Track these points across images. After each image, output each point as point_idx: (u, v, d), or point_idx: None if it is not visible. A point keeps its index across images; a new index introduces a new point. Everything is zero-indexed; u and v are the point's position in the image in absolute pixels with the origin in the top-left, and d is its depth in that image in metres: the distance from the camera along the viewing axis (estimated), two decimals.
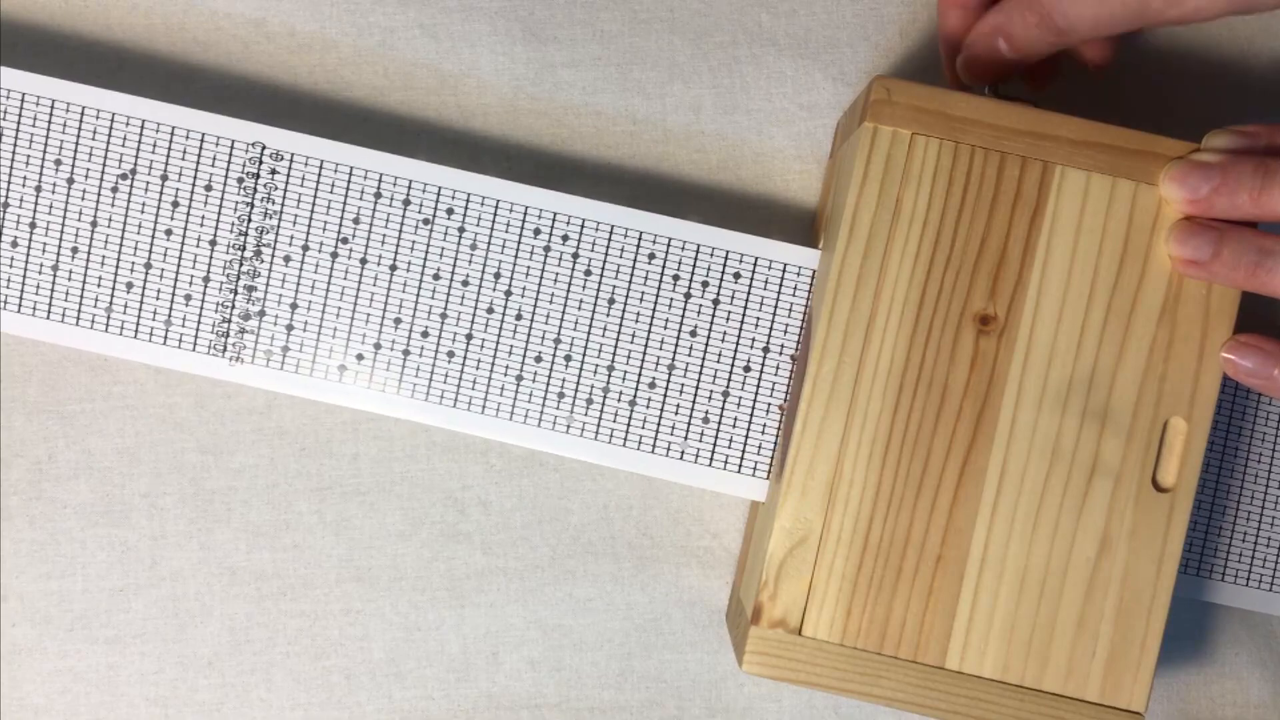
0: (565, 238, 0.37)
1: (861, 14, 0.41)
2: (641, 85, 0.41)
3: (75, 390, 0.40)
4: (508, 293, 0.37)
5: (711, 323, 0.37)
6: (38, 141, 0.37)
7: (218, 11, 0.40)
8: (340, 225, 0.37)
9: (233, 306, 0.37)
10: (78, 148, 0.37)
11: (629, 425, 0.37)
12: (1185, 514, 0.33)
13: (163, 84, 0.40)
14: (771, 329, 0.37)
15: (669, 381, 0.37)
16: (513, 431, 0.37)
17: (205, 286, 0.37)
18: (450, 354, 0.37)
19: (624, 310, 0.37)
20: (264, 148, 0.37)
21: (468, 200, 0.37)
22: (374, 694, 0.40)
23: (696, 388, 0.37)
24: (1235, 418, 0.38)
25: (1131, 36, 0.41)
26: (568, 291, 0.37)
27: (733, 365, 0.37)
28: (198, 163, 0.37)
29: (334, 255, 0.37)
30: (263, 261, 0.37)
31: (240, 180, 0.37)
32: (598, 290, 0.37)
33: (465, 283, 0.37)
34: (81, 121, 0.37)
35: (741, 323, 0.37)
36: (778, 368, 0.37)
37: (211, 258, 0.37)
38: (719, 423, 0.37)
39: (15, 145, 0.37)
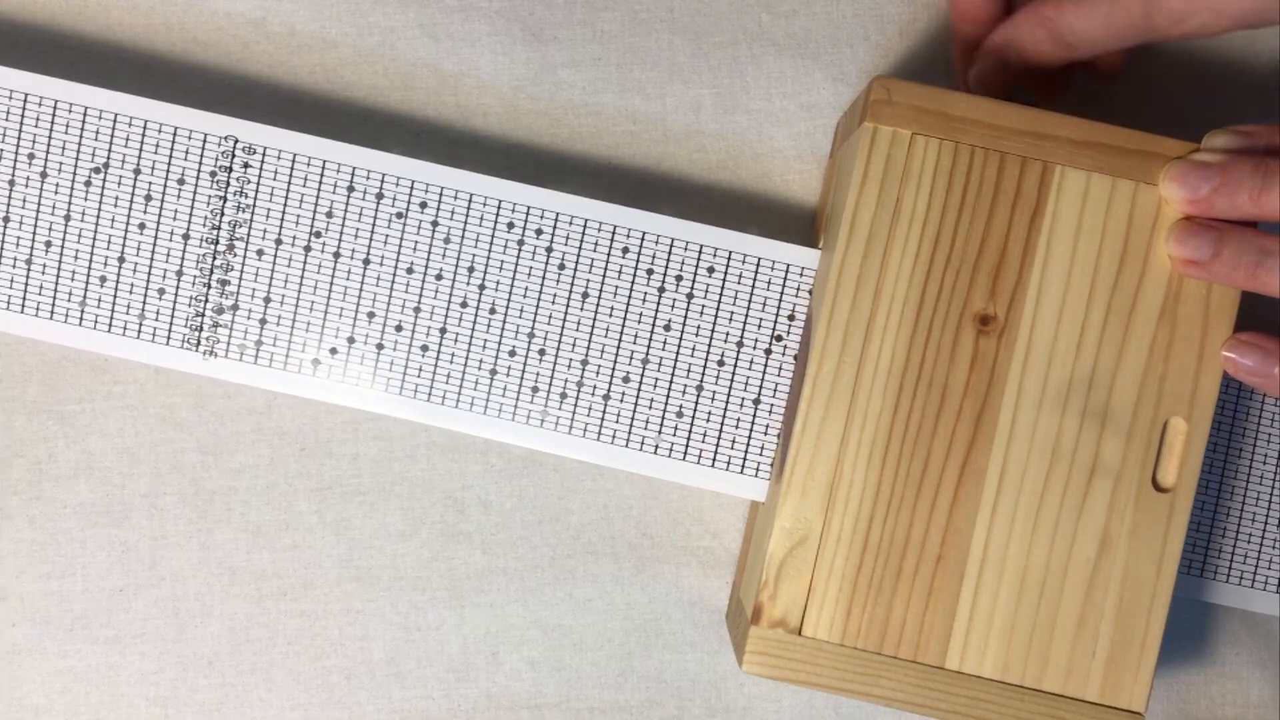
0: (539, 232, 0.37)
1: (861, 14, 0.41)
2: (641, 85, 0.41)
3: (75, 390, 0.40)
4: (481, 287, 0.37)
5: (685, 317, 0.37)
6: (10, 135, 0.37)
7: (218, 11, 0.40)
8: (313, 219, 0.37)
9: (206, 300, 0.37)
10: (50, 141, 0.37)
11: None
12: (1185, 514, 0.33)
13: (163, 84, 0.40)
14: (745, 323, 0.37)
15: (643, 376, 0.37)
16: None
17: (178, 280, 0.37)
18: (424, 348, 0.37)
19: (598, 304, 0.37)
20: (237, 141, 0.37)
21: (441, 194, 0.37)
22: (374, 694, 0.40)
23: (670, 383, 0.37)
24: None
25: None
26: (541, 285, 0.37)
27: (706, 360, 0.37)
28: (170, 156, 0.37)
29: (307, 249, 0.37)
30: (236, 255, 0.37)
31: (213, 174, 0.37)
32: (572, 284, 0.37)
33: (439, 276, 0.37)
34: (54, 115, 0.37)
35: (715, 317, 0.37)
36: (751, 362, 0.37)
37: (185, 251, 0.37)
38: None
39: None
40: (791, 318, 0.37)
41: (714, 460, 0.38)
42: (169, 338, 0.37)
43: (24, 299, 0.37)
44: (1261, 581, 0.39)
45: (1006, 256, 0.34)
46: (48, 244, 0.37)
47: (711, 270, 0.37)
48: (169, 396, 0.40)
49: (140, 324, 0.37)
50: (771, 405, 0.37)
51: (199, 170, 0.37)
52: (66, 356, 0.40)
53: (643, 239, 0.37)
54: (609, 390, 0.37)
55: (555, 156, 0.40)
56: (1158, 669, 0.40)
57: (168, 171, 0.37)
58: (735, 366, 0.37)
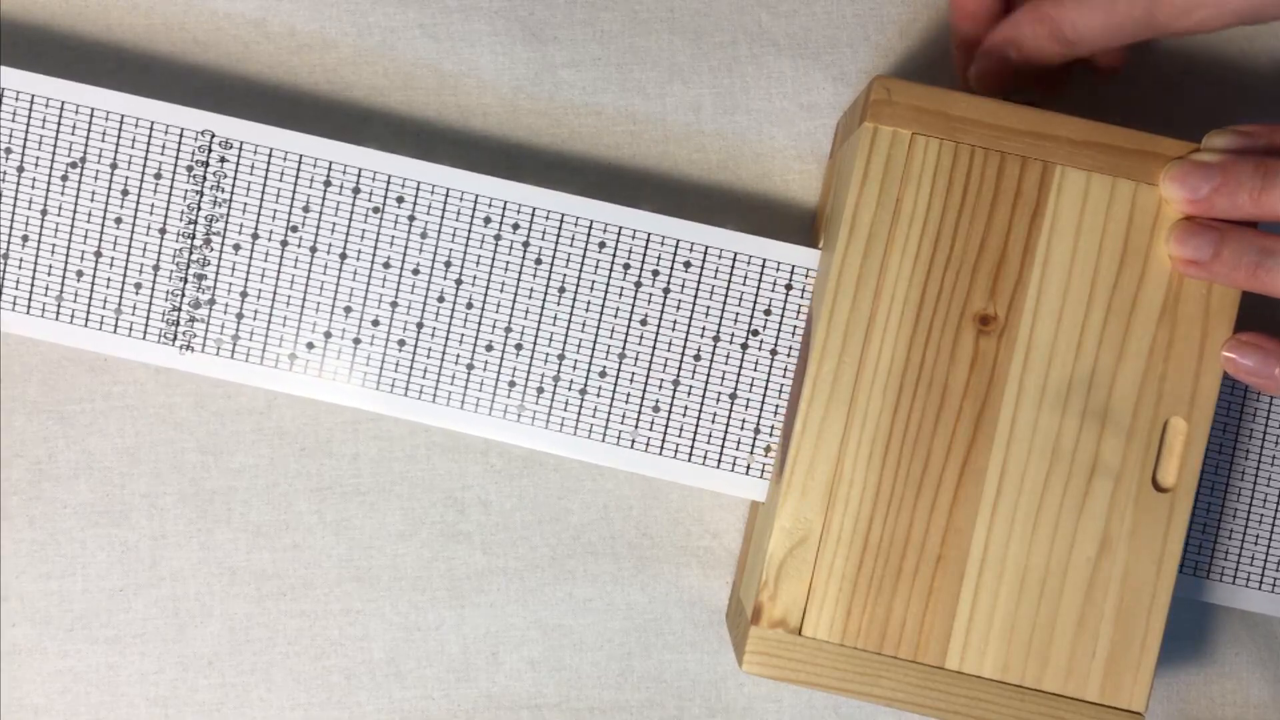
0: (516, 226, 0.37)
1: (861, 14, 0.41)
2: (641, 85, 0.41)
3: (75, 390, 0.40)
4: (458, 281, 0.37)
5: (662, 311, 0.37)
6: None
7: (218, 11, 0.40)
8: (290, 213, 0.37)
9: (183, 295, 0.37)
10: (27, 136, 0.37)
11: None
12: (1185, 514, 0.33)
13: (162, 84, 0.40)
14: (722, 318, 0.37)
15: (619, 371, 0.37)
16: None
17: (155, 275, 0.37)
18: (401, 342, 0.37)
19: (574, 299, 0.37)
20: (213, 136, 0.37)
21: (418, 188, 0.37)
22: (374, 694, 0.40)
23: (647, 377, 0.37)
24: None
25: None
26: (518, 280, 0.37)
27: (683, 355, 0.37)
28: (147, 151, 0.37)
29: (284, 243, 0.37)
30: (212, 250, 0.37)
31: (190, 168, 0.37)
32: (548, 279, 0.37)
33: (416, 271, 0.37)
34: (31, 110, 0.37)
35: (692, 312, 0.37)
36: (728, 357, 0.37)
37: (161, 246, 0.37)
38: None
39: None
40: (768, 312, 0.37)
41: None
42: (145, 332, 0.37)
43: None
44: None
45: (1006, 256, 0.34)
46: (24, 238, 0.37)
47: (688, 265, 0.37)
48: (169, 396, 0.40)
49: (117, 318, 0.37)
50: (748, 400, 0.37)
51: (175, 165, 0.37)
52: (66, 356, 0.40)
53: (619, 234, 0.37)
54: (585, 385, 0.37)
55: (555, 156, 0.40)
56: (1158, 669, 0.40)
57: (144, 166, 0.37)
58: (711, 362, 0.37)
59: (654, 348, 0.37)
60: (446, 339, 0.37)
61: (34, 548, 0.40)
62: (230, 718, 0.40)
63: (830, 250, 0.35)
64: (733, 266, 0.37)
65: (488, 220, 0.37)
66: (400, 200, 0.37)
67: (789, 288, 0.37)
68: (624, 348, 0.37)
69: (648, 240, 0.37)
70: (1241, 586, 0.39)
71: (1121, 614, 0.33)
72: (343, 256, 0.37)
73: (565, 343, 0.37)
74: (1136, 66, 0.41)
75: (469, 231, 0.37)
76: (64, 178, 0.37)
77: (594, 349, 0.37)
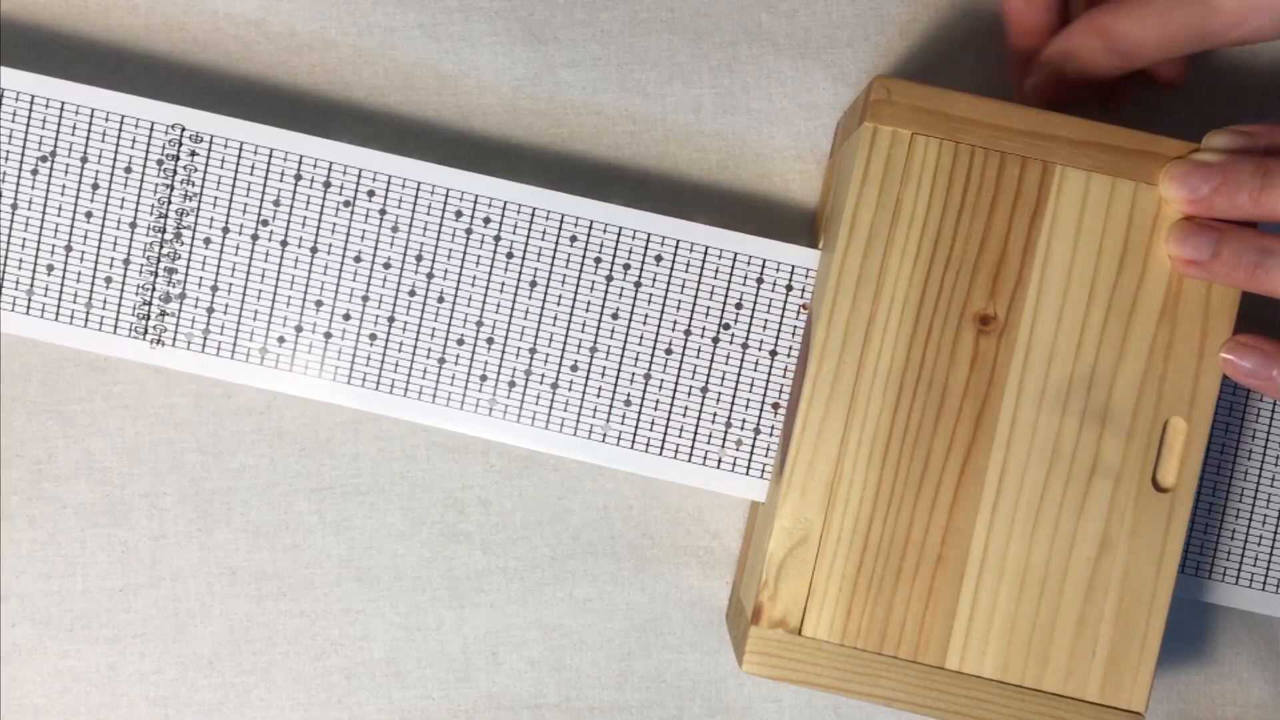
0: (487, 220, 0.37)
1: (861, 14, 0.41)
2: (641, 85, 0.41)
3: (75, 390, 0.40)
4: (430, 275, 0.37)
5: (633, 305, 0.37)
6: None
7: (218, 11, 0.40)
8: (260, 207, 0.37)
9: (153, 289, 0.37)
10: None
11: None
12: (1185, 514, 0.33)
13: (162, 84, 0.40)
14: (693, 312, 0.37)
15: (590, 364, 0.37)
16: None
17: (126, 269, 0.37)
18: (372, 336, 0.37)
19: (545, 293, 0.37)
20: (183, 129, 0.37)
21: (389, 182, 0.37)
22: (374, 694, 0.40)
23: (619, 371, 0.37)
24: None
25: None
26: (490, 274, 0.37)
27: (654, 349, 0.37)
28: (117, 145, 0.37)
29: (254, 237, 0.37)
30: (183, 244, 0.37)
31: (160, 162, 0.37)
32: (520, 273, 0.37)
33: (387, 265, 0.37)
34: (0, 104, 0.37)
35: (664, 305, 0.37)
36: (700, 350, 0.37)
37: (132, 240, 0.37)
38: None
39: None
40: (739, 306, 0.37)
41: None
42: (116, 326, 0.37)
43: None
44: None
45: (1006, 256, 0.34)
46: None
47: (659, 259, 0.37)
48: (169, 396, 0.40)
49: (88, 313, 0.37)
50: (719, 394, 0.37)
51: (146, 158, 0.37)
52: (66, 356, 0.40)
53: (590, 228, 0.37)
54: (557, 379, 0.37)
55: (555, 156, 0.40)
56: (1158, 669, 0.40)
57: (114, 160, 0.37)
58: (682, 355, 0.37)
59: (625, 341, 0.37)
60: (418, 333, 0.37)
61: (34, 548, 0.40)
62: (230, 718, 0.40)
63: (830, 250, 0.35)
64: (704, 261, 0.37)
65: (459, 214, 0.37)
66: (371, 194, 0.37)
67: (760, 281, 0.37)
68: (595, 341, 0.37)
69: (619, 234, 0.37)
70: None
71: (1121, 614, 0.33)
72: (314, 250, 0.37)
73: (537, 337, 0.37)
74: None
75: (440, 225, 0.37)
76: (34, 171, 0.37)
77: (565, 343, 0.37)
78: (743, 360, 0.37)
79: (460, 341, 0.37)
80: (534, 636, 0.40)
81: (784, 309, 0.37)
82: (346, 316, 0.37)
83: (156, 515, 0.40)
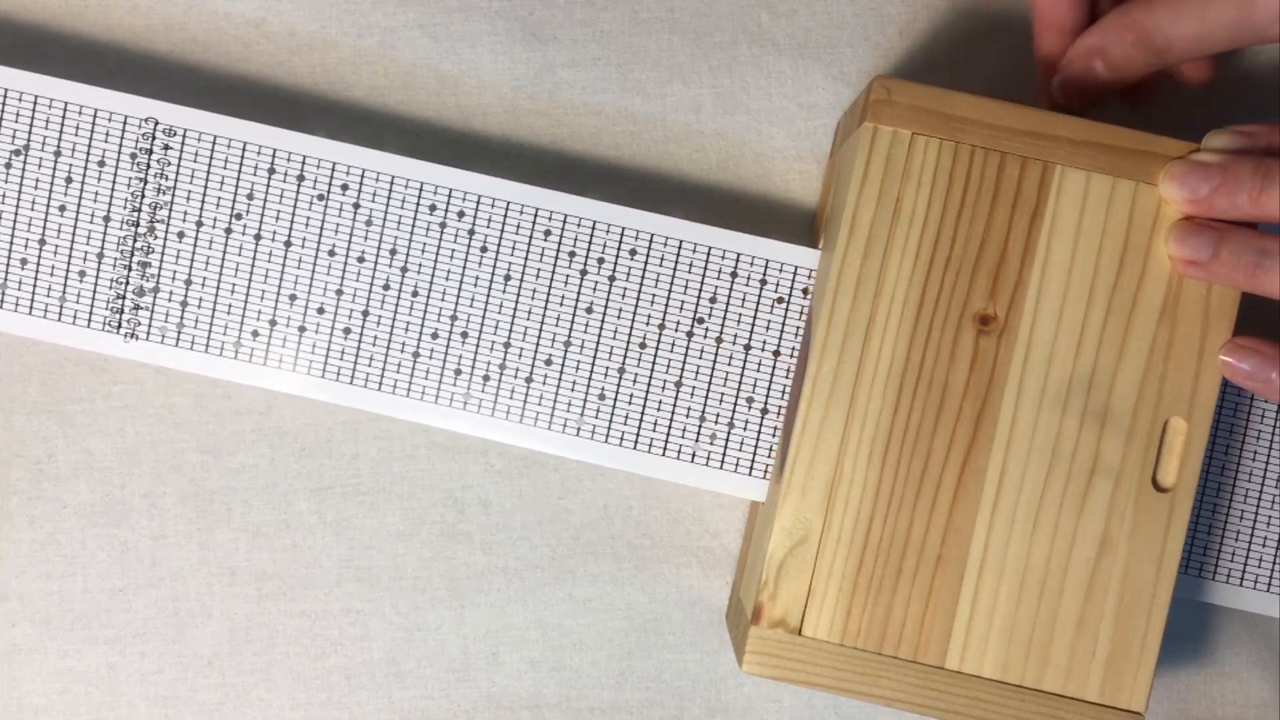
0: (461, 214, 0.37)
1: (861, 14, 0.41)
2: (641, 85, 0.41)
3: (75, 390, 0.40)
4: (404, 269, 0.37)
5: (608, 300, 0.37)
6: None
7: (218, 11, 0.40)
8: (234, 201, 0.37)
9: (127, 283, 0.37)
10: None
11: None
12: (1185, 514, 0.33)
13: (162, 84, 0.40)
14: (667, 308, 0.37)
15: (565, 358, 0.37)
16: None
17: (99, 263, 0.37)
18: (346, 331, 0.37)
19: (520, 287, 0.37)
20: (157, 123, 0.37)
21: (362, 176, 0.37)
22: (374, 694, 0.40)
23: (592, 365, 0.37)
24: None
25: None
26: (464, 268, 0.37)
27: (628, 343, 0.37)
28: (91, 138, 0.37)
29: (228, 231, 0.37)
30: (156, 238, 0.37)
31: (134, 156, 0.37)
32: (494, 267, 0.37)
33: (361, 259, 0.37)
34: None
35: (638, 300, 0.37)
36: (673, 344, 0.37)
37: (105, 234, 0.37)
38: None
39: None
40: (713, 300, 0.37)
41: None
42: (90, 320, 0.37)
43: None
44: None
45: (1006, 256, 0.34)
46: None
47: (634, 253, 0.37)
48: (169, 396, 0.40)
49: (61, 306, 0.37)
50: (693, 389, 0.37)
51: (119, 152, 0.37)
52: (66, 356, 0.40)
53: (564, 221, 0.37)
54: (531, 373, 0.37)
55: (555, 156, 0.40)
56: (1158, 669, 0.40)
57: (88, 153, 0.37)
58: (657, 350, 0.37)
59: (599, 336, 0.37)
60: (392, 327, 0.37)
61: (34, 548, 0.40)
62: (230, 718, 0.40)
63: (830, 250, 0.35)
64: (678, 255, 0.37)
65: (433, 208, 0.37)
66: (345, 188, 0.37)
67: (734, 275, 0.37)
68: (570, 335, 0.37)
69: (593, 228, 0.37)
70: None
71: (1121, 614, 0.33)
72: (287, 244, 0.37)
73: (511, 330, 0.37)
74: None
75: (414, 219, 0.37)
76: (7, 165, 0.37)
77: (540, 337, 0.37)
78: (716, 354, 0.37)
79: (434, 335, 0.37)
80: (534, 636, 0.40)
81: (758, 303, 0.37)
82: (320, 310, 0.37)
83: (156, 515, 0.40)
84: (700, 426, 0.37)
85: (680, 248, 0.37)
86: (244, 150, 0.37)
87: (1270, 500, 0.38)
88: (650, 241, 0.37)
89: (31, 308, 0.37)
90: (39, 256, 0.37)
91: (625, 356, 0.37)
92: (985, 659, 0.33)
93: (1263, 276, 0.32)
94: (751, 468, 0.37)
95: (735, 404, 0.37)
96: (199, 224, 0.37)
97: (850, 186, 0.34)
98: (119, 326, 0.37)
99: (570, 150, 0.40)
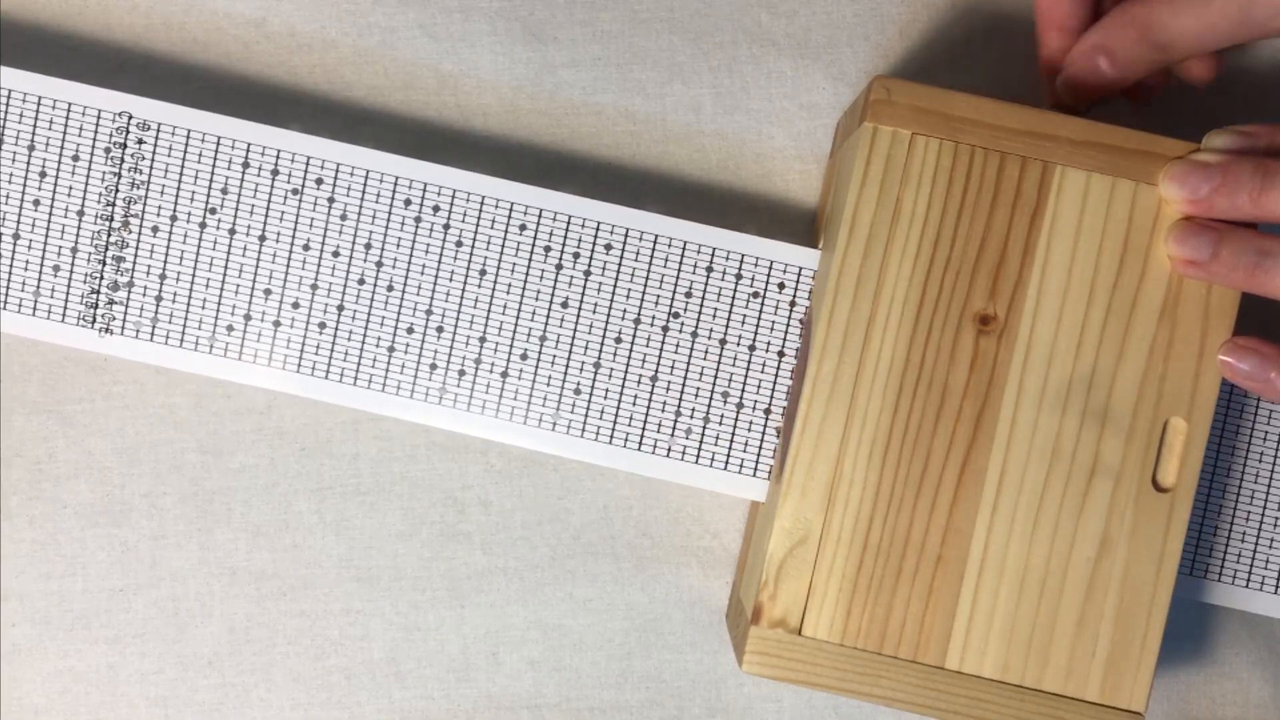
0: (436, 208, 0.37)
1: (861, 14, 0.41)
2: (641, 85, 0.41)
3: (75, 390, 0.40)
4: (379, 264, 0.37)
5: (583, 294, 0.37)
6: None
7: (218, 11, 0.40)
8: (209, 195, 0.37)
9: (101, 277, 0.37)
10: None
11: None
12: (1185, 514, 0.33)
13: (162, 84, 0.40)
14: (642, 304, 0.37)
15: (540, 353, 0.37)
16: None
17: (74, 257, 0.37)
18: (321, 325, 0.37)
19: (495, 281, 0.37)
20: (131, 117, 0.37)
21: (337, 170, 0.37)
22: (374, 694, 0.40)
23: (568, 359, 0.37)
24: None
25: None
26: (439, 263, 0.37)
27: (604, 338, 0.37)
28: (65, 132, 0.37)
29: (202, 225, 0.37)
30: (131, 232, 0.37)
31: (107, 150, 0.37)
32: (469, 261, 0.37)
33: (336, 253, 0.37)
34: None
35: (613, 294, 0.37)
36: (649, 339, 0.37)
37: (80, 228, 0.37)
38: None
39: None
40: (689, 294, 0.37)
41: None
42: (64, 315, 0.37)
43: None
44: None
45: (1006, 256, 0.34)
46: None
47: (609, 248, 0.37)
48: (169, 396, 0.40)
49: (35, 301, 0.37)
50: (669, 383, 0.37)
51: (94, 146, 0.37)
52: (67, 356, 0.40)
53: (540, 216, 0.37)
54: (507, 368, 0.37)
55: (555, 156, 0.40)
56: (1158, 669, 0.40)
57: (62, 148, 0.37)
58: (632, 344, 0.37)
59: (574, 331, 0.37)
60: (367, 321, 0.37)
61: (34, 548, 0.40)
62: (230, 718, 0.40)
63: (830, 250, 0.35)
64: (653, 249, 0.37)
65: (408, 202, 0.37)
66: (319, 182, 0.37)
67: (709, 270, 0.37)
68: (545, 330, 0.37)
69: (569, 223, 0.37)
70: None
71: (1121, 614, 0.33)
72: (261, 239, 0.37)
73: (486, 325, 0.37)
74: None
75: (389, 213, 0.37)
76: None
77: (515, 331, 0.37)
78: (692, 349, 0.37)
79: (410, 330, 0.37)
80: (534, 636, 0.40)
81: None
82: (295, 305, 0.37)
83: (156, 515, 0.40)
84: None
85: (656, 241, 0.37)
86: (218, 144, 0.37)
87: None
88: (626, 236, 0.37)
89: (5, 303, 0.37)
90: (13, 251, 0.37)
91: (601, 352, 0.37)
92: (985, 659, 0.33)
93: (1263, 276, 0.32)
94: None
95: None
96: (173, 218, 0.37)
97: (850, 186, 0.34)
98: (94, 321, 0.37)
99: (570, 150, 0.40)
